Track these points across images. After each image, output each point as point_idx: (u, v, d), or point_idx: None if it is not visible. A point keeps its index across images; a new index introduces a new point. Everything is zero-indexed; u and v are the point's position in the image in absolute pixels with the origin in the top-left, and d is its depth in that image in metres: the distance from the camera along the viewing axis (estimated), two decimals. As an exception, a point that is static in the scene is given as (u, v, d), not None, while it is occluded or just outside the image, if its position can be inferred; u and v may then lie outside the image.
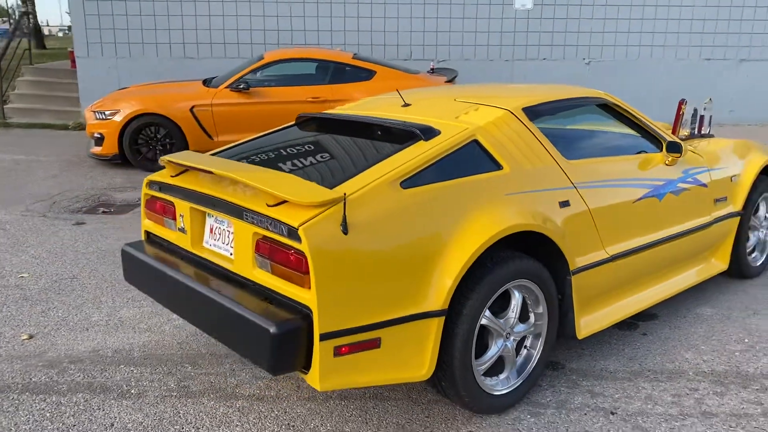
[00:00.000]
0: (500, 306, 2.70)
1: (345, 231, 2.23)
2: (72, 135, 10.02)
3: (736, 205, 3.88)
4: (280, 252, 2.30)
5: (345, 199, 2.25)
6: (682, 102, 3.96)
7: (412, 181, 2.48)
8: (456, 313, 2.47)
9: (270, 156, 2.91)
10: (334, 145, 2.88)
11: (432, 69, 8.77)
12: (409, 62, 10.22)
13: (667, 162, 3.45)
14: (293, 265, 2.25)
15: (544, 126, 3.13)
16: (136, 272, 2.99)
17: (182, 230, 2.85)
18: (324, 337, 2.20)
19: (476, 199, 2.58)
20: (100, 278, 4.27)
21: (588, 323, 3.00)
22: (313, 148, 2.92)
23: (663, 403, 2.81)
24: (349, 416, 2.72)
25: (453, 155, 2.66)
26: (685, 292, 3.99)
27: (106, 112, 7.51)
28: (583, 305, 2.99)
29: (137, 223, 5.54)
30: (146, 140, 7.55)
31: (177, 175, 2.92)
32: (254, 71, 7.73)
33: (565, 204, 2.87)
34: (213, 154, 3.07)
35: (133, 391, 2.92)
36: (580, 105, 3.29)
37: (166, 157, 2.83)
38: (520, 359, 2.80)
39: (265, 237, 2.38)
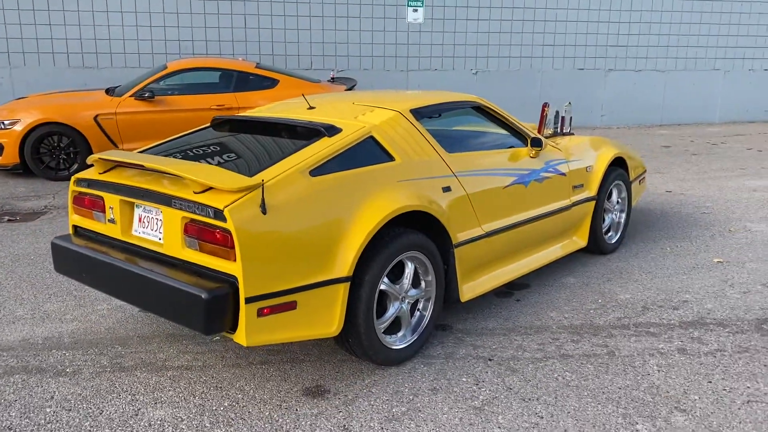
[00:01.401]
0: (396, 274, 3.21)
1: (264, 211, 2.66)
2: (-37, 146, 9.71)
3: (592, 191, 4.61)
4: (207, 232, 2.70)
5: (263, 185, 2.69)
6: (545, 105, 4.65)
7: (319, 170, 2.95)
8: (359, 279, 2.95)
9: (193, 152, 3.29)
10: (249, 142, 3.30)
11: (332, 78, 9.26)
12: (309, 72, 10.68)
13: (531, 155, 4.10)
14: (220, 242, 2.66)
15: (430, 126, 3.68)
16: (67, 262, 3.26)
17: (112, 221, 3.17)
18: (249, 300, 2.61)
19: (373, 184, 3.08)
20: (18, 279, 4.43)
21: (470, 289, 3.57)
22: (230, 144, 3.32)
23: (530, 350, 3.42)
24: (269, 376, 3.14)
25: (353, 149, 3.16)
26: (553, 264, 4.68)
27: (5, 122, 7.46)
28: (465, 274, 3.56)
29: (47, 228, 5.66)
30: (49, 149, 7.57)
31: (105, 172, 3.24)
32: (158, 80, 7.92)
33: (447, 189, 3.43)
34: (140, 152, 3.41)
35: (68, 370, 3.20)
36: (458, 107, 3.88)
37: (96, 156, 3.15)
38: (414, 320, 3.32)
39: (192, 220, 2.77)
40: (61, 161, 7.65)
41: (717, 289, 4.26)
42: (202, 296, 2.56)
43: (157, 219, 2.97)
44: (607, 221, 4.93)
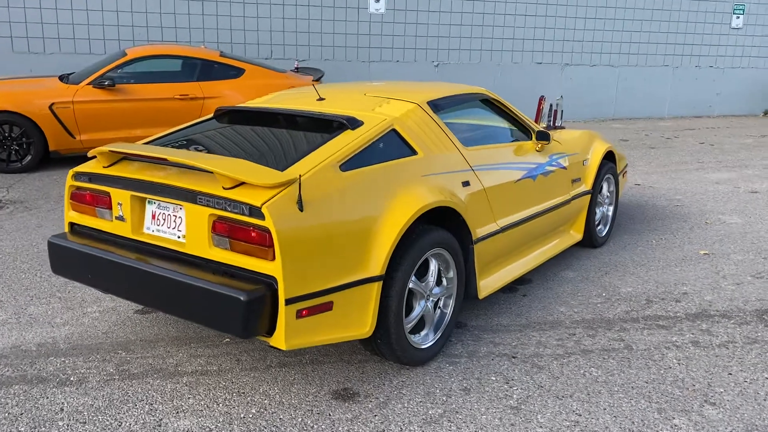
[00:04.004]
0: (420, 273, 3.12)
1: (301, 208, 2.52)
2: None
3: (588, 184, 4.64)
4: (240, 230, 2.54)
5: (300, 180, 2.54)
6: (542, 98, 4.65)
7: (348, 164, 2.82)
8: (390, 278, 2.84)
9: (207, 145, 3.10)
10: (267, 135, 3.13)
11: (296, 68, 9.05)
12: (270, 61, 10.40)
13: (537, 149, 4.08)
14: (256, 241, 2.50)
15: (444, 119, 3.60)
16: (69, 263, 3.02)
17: (120, 218, 2.95)
18: (288, 302, 2.47)
19: (400, 179, 2.97)
20: (-9, 280, 4.11)
21: (486, 285, 3.52)
22: (247, 137, 3.14)
23: (551, 346, 3.40)
24: (292, 380, 3.00)
25: (377, 142, 3.04)
26: (550, 259, 4.69)
27: (-49, 110, 6.93)
28: (482, 270, 3.51)
29: (9, 225, 5.29)
30: (-1, 140, 7.09)
31: (110, 166, 3.01)
32: (117, 67, 7.53)
33: (466, 184, 3.36)
34: (146, 143, 3.18)
35: (72, 379, 2.97)
36: (469, 100, 3.81)
37: (106, 147, 2.91)
38: (436, 318, 3.24)
39: (221, 217, 2.59)
40: (13, 152, 7.18)
41: (711, 281, 4.36)
42: (241, 298, 2.40)
43: (175, 216, 2.78)
44: (598, 215, 4.98)
